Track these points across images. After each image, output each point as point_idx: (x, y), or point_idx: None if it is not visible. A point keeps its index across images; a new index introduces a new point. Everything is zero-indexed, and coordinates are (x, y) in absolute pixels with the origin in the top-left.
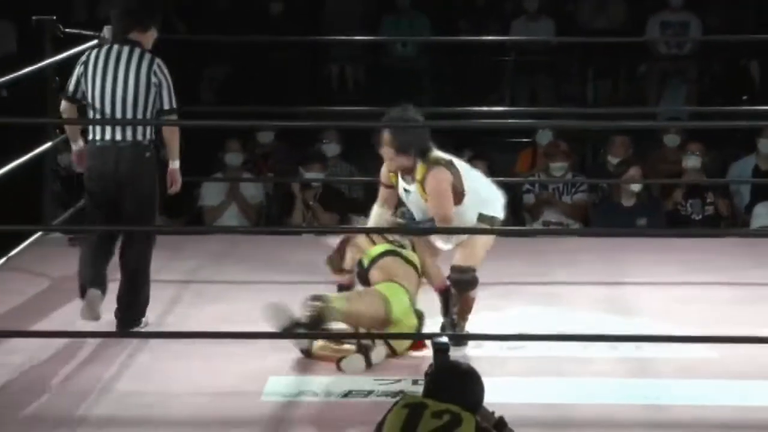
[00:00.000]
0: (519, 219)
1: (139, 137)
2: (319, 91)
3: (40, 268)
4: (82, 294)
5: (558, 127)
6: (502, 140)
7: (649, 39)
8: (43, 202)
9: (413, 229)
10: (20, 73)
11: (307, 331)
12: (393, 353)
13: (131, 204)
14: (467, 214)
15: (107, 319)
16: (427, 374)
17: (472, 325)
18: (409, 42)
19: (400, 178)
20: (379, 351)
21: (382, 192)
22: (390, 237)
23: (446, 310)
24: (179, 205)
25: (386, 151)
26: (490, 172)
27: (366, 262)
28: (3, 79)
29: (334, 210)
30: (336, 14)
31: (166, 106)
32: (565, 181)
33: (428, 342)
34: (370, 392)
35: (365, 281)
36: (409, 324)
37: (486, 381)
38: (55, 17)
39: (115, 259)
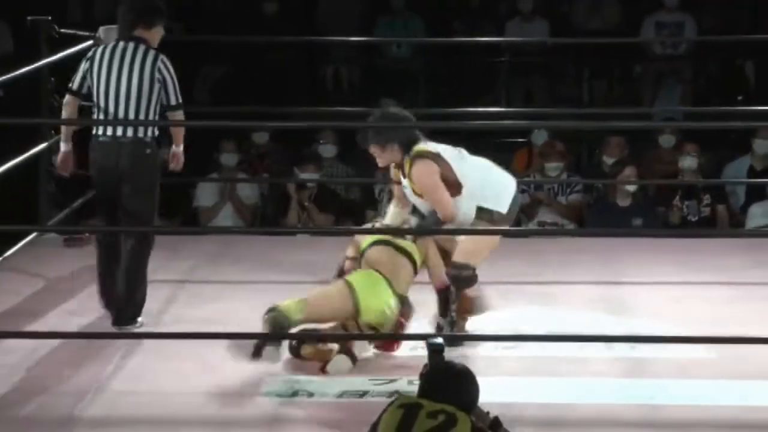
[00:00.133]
0: (515, 219)
1: (140, 134)
2: (314, 92)
3: (35, 268)
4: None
5: (553, 127)
6: (498, 141)
7: (644, 39)
8: (39, 202)
9: (408, 229)
10: (16, 73)
11: (273, 339)
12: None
13: (130, 200)
14: (465, 206)
15: (102, 320)
16: (422, 374)
17: (467, 326)
18: (403, 43)
19: (401, 175)
20: (361, 343)
21: (395, 190)
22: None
23: (443, 310)
24: (174, 205)
25: (373, 149)
26: None
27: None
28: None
29: (330, 211)
30: (331, 15)
31: (173, 102)
32: (561, 182)
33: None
34: (365, 392)
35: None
36: (380, 309)
37: (481, 381)
38: (50, 17)
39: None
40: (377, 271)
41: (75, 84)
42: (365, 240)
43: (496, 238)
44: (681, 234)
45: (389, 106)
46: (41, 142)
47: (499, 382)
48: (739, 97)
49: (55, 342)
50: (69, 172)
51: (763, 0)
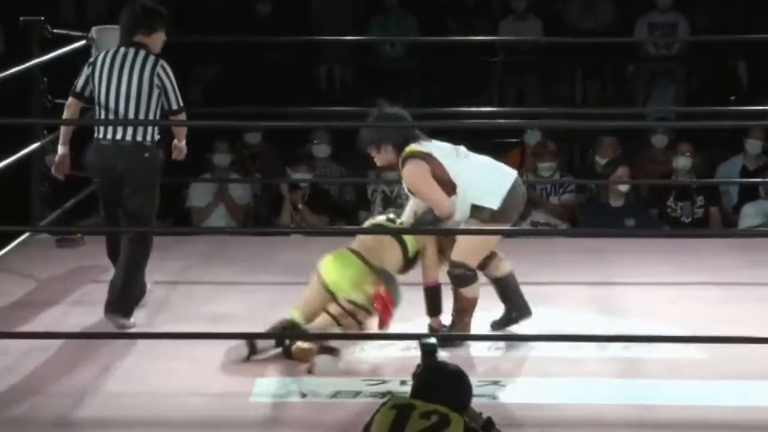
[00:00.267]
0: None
1: (139, 138)
2: (308, 92)
3: (27, 269)
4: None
5: (546, 127)
6: (490, 140)
7: (638, 40)
8: (31, 203)
9: (403, 228)
10: (7, 73)
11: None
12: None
13: (129, 201)
14: (460, 205)
15: (96, 321)
16: (414, 375)
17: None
18: (397, 42)
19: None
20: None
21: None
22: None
23: (429, 309)
24: (167, 205)
25: (369, 151)
26: None
27: None
28: None
29: (323, 212)
30: (324, 15)
31: (174, 107)
32: (553, 182)
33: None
34: (357, 393)
35: None
36: (350, 280)
37: (474, 381)
38: (43, 18)
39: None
40: (350, 248)
41: (78, 87)
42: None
43: (494, 238)
44: (674, 234)
45: (385, 106)
46: (33, 143)
47: (493, 383)
48: (732, 98)
49: (48, 342)
50: (64, 175)
51: (756, 0)
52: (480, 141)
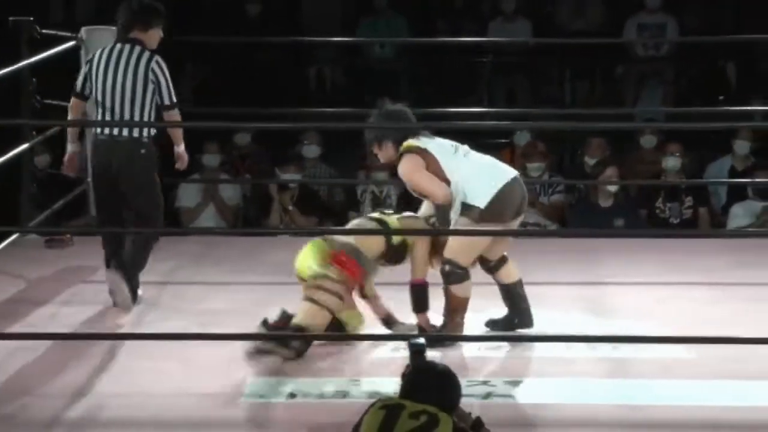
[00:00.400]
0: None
1: (136, 134)
2: (298, 93)
3: (16, 269)
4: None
5: (537, 128)
6: (480, 141)
7: (627, 41)
8: (20, 203)
9: (391, 230)
10: None
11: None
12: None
13: (134, 199)
14: (453, 203)
15: (85, 321)
16: (404, 375)
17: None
18: (386, 43)
19: None
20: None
21: None
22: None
23: (415, 306)
24: None
25: (372, 148)
26: None
27: None
28: None
29: (312, 213)
30: (314, 15)
31: (167, 102)
32: (543, 182)
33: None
34: (347, 393)
35: None
36: (306, 263)
37: (464, 381)
38: (32, 18)
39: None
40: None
41: (78, 86)
42: None
43: (485, 238)
44: (664, 234)
45: (387, 103)
46: (22, 144)
47: (482, 383)
48: (721, 98)
49: (38, 343)
50: (75, 172)
51: (745, 1)
52: (469, 141)
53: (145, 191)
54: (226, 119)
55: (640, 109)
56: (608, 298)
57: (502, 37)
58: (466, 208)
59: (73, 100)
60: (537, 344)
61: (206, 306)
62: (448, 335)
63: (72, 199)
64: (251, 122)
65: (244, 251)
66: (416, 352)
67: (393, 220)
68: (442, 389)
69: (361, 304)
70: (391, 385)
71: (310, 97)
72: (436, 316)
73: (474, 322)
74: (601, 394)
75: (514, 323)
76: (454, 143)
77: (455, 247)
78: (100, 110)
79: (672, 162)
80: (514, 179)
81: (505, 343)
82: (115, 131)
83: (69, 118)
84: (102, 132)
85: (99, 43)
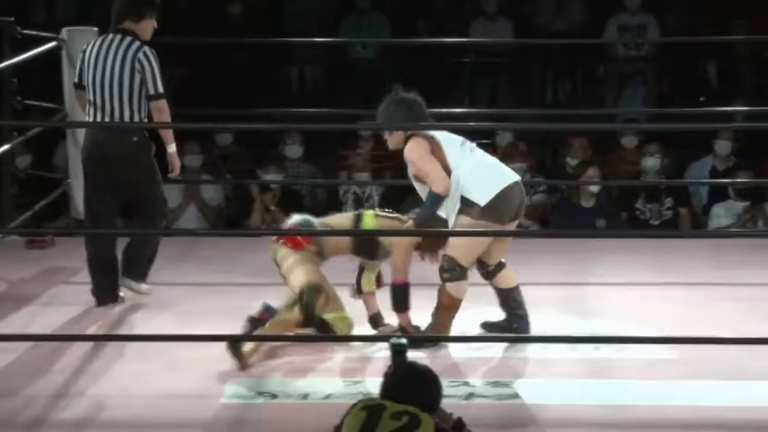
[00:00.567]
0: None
1: (127, 120)
2: (279, 93)
3: None
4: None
5: (519, 128)
6: None
7: (608, 41)
8: (2, 204)
9: (375, 231)
10: None
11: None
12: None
13: (130, 187)
14: (452, 193)
15: (67, 322)
16: (386, 375)
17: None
18: (368, 43)
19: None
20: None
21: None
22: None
23: (395, 306)
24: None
25: (382, 133)
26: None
27: None
28: None
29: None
30: (295, 15)
31: (151, 91)
32: (524, 183)
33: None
34: (329, 394)
35: None
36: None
37: (446, 382)
38: (12, 19)
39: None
40: None
41: (76, 78)
42: None
43: (485, 239)
44: (646, 235)
45: (399, 91)
46: (3, 144)
47: (464, 383)
48: (701, 98)
49: (18, 344)
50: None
51: (725, 1)
52: None
53: (138, 178)
54: (207, 119)
55: (621, 109)
56: (590, 298)
57: (484, 38)
58: (466, 204)
59: (75, 92)
60: (518, 345)
61: (188, 307)
62: (430, 336)
63: (53, 200)
64: (232, 122)
65: (227, 252)
66: (397, 352)
67: (369, 213)
68: (423, 389)
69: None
70: (373, 386)
71: (291, 97)
72: (425, 316)
73: (459, 322)
74: (583, 394)
75: (512, 329)
76: (462, 138)
77: (456, 245)
78: (90, 101)
79: (651, 162)
80: (516, 183)
81: (486, 344)
82: (107, 119)
83: (78, 109)
84: (93, 121)
85: (80, 44)
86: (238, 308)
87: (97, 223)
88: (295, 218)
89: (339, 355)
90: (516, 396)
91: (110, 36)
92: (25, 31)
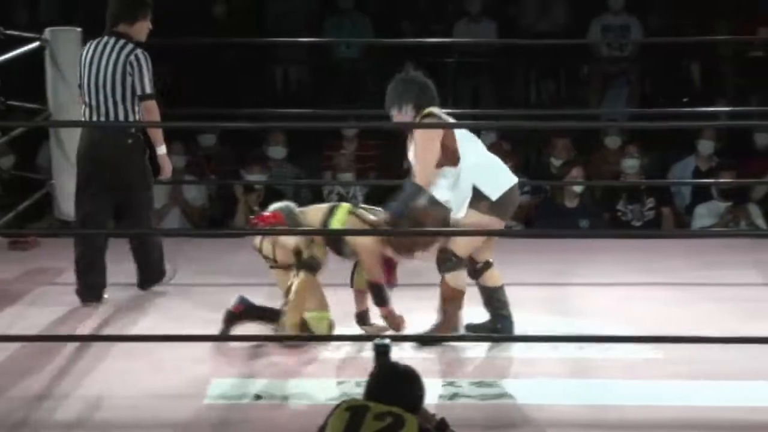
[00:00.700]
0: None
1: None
2: (263, 93)
3: None
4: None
5: (503, 128)
6: None
7: (591, 41)
8: None
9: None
10: None
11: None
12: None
13: (123, 188)
14: (462, 182)
15: (50, 323)
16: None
17: (416, 326)
18: (352, 43)
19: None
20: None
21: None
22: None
23: (374, 301)
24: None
25: (391, 111)
26: None
27: None
28: None
29: None
30: (279, 16)
31: (138, 92)
32: None
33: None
34: (313, 395)
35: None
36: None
37: (429, 382)
38: None
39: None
40: None
41: (78, 82)
42: None
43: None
44: (629, 235)
45: (410, 70)
46: None
47: (448, 384)
48: (685, 99)
49: (2, 345)
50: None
51: (708, 2)
52: None
53: (131, 179)
54: (191, 119)
55: (605, 110)
56: (574, 298)
57: (467, 38)
58: (478, 196)
59: (79, 93)
60: (503, 345)
61: (172, 307)
62: (412, 335)
63: (36, 201)
64: (216, 122)
65: (210, 252)
66: (380, 353)
67: (344, 207)
68: (405, 390)
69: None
70: (357, 387)
71: (275, 97)
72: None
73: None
74: (567, 394)
75: (496, 329)
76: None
77: (456, 240)
78: (86, 103)
79: (630, 163)
80: (517, 183)
81: (471, 344)
82: (102, 120)
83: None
84: (76, 122)
85: (63, 45)
86: (222, 308)
87: (88, 222)
88: (277, 204)
89: (323, 355)
90: (500, 396)
91: (105, 39)
92: (8, 32)
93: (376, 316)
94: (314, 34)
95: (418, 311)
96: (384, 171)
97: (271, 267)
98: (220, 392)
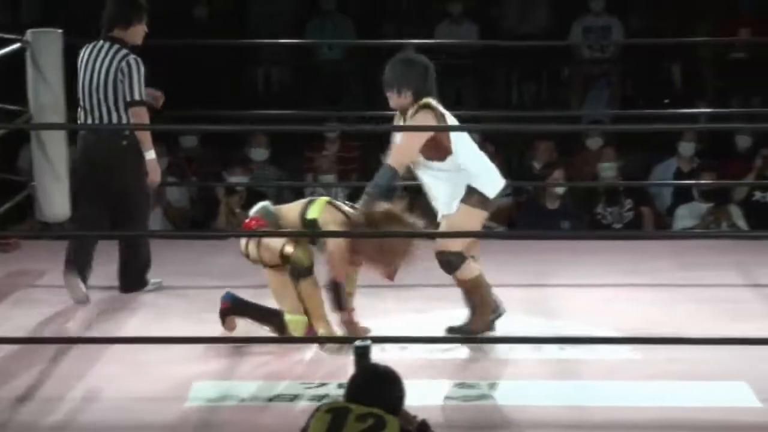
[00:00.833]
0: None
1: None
2: (245, 94)
3: None
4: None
5: (486, 130)
6: None
7: (572, 43)
8: None
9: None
10: None
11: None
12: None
13: (116, 190)
14: (453, 179)
15: (32, 325)
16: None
17: (396, 329)
18: (334, 45)
19: (398, 120)
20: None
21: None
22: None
23: (332, 304)
24: None
25: (388, 93)
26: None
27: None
28: None
29: None
30: (260, 17)
31: (128, 98)
32: None
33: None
34: (295, 396)
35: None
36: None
37: (410, 383)
38: None
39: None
40: None
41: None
42: None
43: (477, 222)
44: (611, 236)
45: (411, 51)
46: None
47: (428, 385)
48: (666, 100)
49: None
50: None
51: (689, 4)
52: None
53: (124, 183)
54: (173, 121)
55: (586, 111)
56: (555, 299)
57: (449, 40)
58: (475, 194)
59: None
60: (484, 346)
61: (154, 309)
62: (393, 337)
63: (18, 203)
64: (198, 124)
65: (192, 254)
66: (361, 354)
67: (321, 200)
68: (386, 391)
69: None
70: (338, 389)
71: (257, 99)
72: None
73: (420, 323)
74: (549, 395)
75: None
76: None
77: (446, 239)
78: (81, 106)
79: (606, 169)
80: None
81: (452, 345)
82: (95, 124)
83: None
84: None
85: (45, 46)
86: (203, 310)
87: (84, 225)
88: (254, 209)
89: (305, 357)
90: (482, 397)
91: (100, 43)
92: None
93: (361, 317)
94: (296, 35)
95: (397, 312)
96: (366, 172)
97: (264, 267)
98: (202, 394)
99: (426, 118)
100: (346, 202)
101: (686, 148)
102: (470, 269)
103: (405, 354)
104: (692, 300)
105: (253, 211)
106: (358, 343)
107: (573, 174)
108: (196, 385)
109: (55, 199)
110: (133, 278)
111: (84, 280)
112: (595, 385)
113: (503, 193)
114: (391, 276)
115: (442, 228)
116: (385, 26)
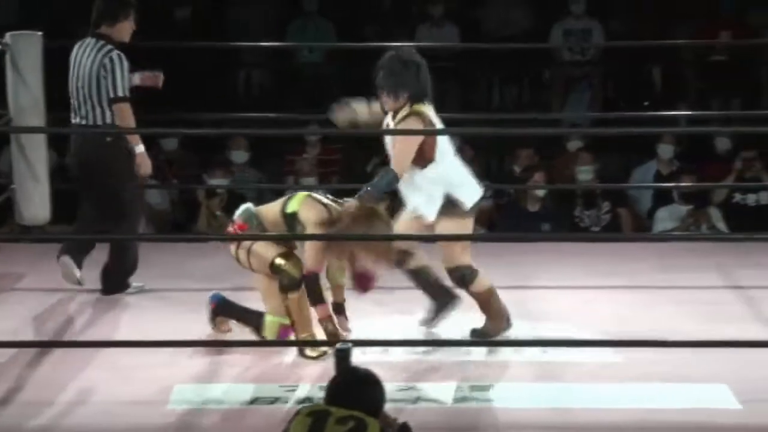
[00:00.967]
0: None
1: (99, 122)
2: (226, 97)
3: None
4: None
5: (468, 134)
6: None
7: (553, 45)
8: None
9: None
10: None
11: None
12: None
13: (103, 188)
14: (431, 186)
15: (10, 328)
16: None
17: (378, 331)
18: (315, 47)
19: (389, 119)
20: None
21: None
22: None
23: (310, 299)
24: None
25: (381, 93)
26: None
27: None
28: None
29: None
30: (241, 19)
31: (111, 94)
32: None
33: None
34: (276, 399)
35: None
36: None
37: (391, 386)
38: None
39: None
40: None
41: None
42: None
43: (467, 229)
44: (591, 239)
45: (404, 52)
46: None
47: (410, 387)
48: (646, 103)
49: None
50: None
51: (669, 6)
52: None
53: (105, 178)
54: (153, 124)
55: (567, 114)
56: (536, 302)
57: (430, 42)
58: (453, 203)
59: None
60: (465, 348)
61: (134, 312)
62: (375, 340)
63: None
64: (179, 127)
65: (173, 257)
66: (341, 357)
67: (301, 194)
68: (366, 394)
69: None
70: (320, 391)
71: (238, 101)
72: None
73: (400, 326)
74: (530, 397)
75: (443, 308)
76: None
77: (454, 254)
78: (71, 105)
79: (583, 173)
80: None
81: (432, 348)
82: (82, 122)
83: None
84: (71, 121)
85: (24, 49)
86: (184, 313)
87: (81, 225)
88: (239, 211)
89: (287, 359)
90: (463, 400)
91: (87, 40)
92: None
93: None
94: (277, 38)
95: (379, 315)
96: (347, 175)
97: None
98: (183, 397)
99: (415, 123)
100: (327, 195)
101: (665, 150)
102: (483, 281)
103: (386, 356)
104: (672, 302)
105: (236, 214)
106: (339, 345)
107: (554, 176)
108: (178, 388)
109: (35, 201)
110: (114, 281)
111: (79, 265)
112: (577, 388)
113: (484, 197)
114: (365, 286)
115: (446, 253)
116: (366, 29)
